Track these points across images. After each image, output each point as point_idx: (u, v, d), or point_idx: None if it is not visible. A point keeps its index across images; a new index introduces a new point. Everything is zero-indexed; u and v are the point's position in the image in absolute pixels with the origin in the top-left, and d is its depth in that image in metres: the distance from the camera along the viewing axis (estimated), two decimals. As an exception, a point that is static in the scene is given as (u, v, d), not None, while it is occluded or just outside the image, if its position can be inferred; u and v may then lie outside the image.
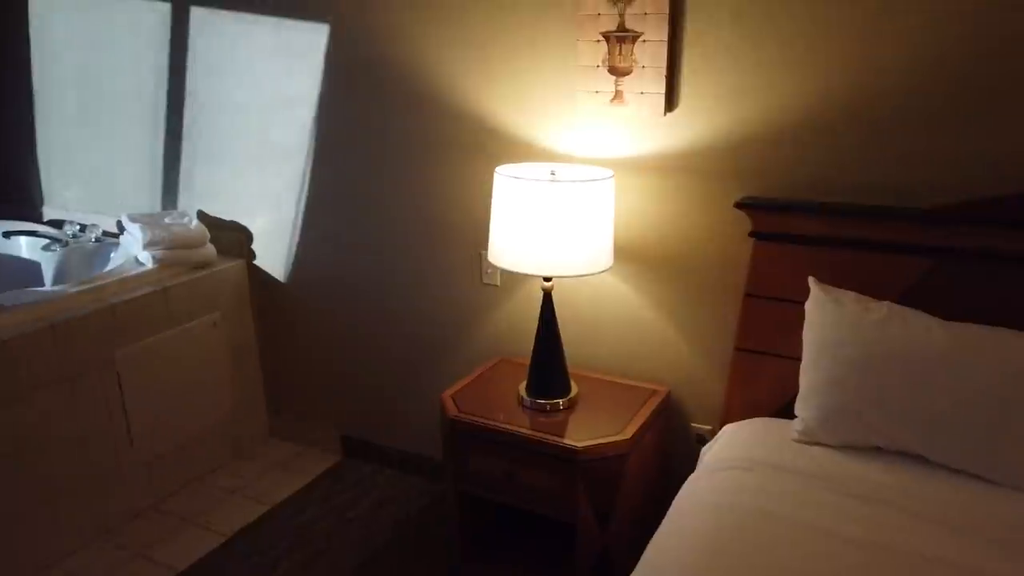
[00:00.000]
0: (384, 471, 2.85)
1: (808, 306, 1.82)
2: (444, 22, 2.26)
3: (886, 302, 1.74)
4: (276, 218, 2.80)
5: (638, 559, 1.48)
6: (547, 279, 2.06)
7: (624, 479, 1.96)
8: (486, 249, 2.31)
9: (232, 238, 2.88)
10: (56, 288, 2.50)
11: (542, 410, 2.10)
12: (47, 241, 3.02)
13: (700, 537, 1.48)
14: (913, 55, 1.74)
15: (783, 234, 1.92)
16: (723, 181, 2.01)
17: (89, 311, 2.37)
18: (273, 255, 2.86)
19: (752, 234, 1.96)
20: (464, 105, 2.31)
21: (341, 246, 2.70)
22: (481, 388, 2.25)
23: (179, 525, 2.56)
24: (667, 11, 1.94)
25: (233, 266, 2.85)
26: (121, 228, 2.86)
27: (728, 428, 1.94)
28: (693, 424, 2.24)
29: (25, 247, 3.18)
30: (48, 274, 3.02)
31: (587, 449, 1.91)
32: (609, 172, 1.99)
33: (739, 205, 1.94)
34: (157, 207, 3.05)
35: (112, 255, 2.89)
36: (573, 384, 2.17)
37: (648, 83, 2.01)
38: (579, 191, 1.90)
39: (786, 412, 1.91)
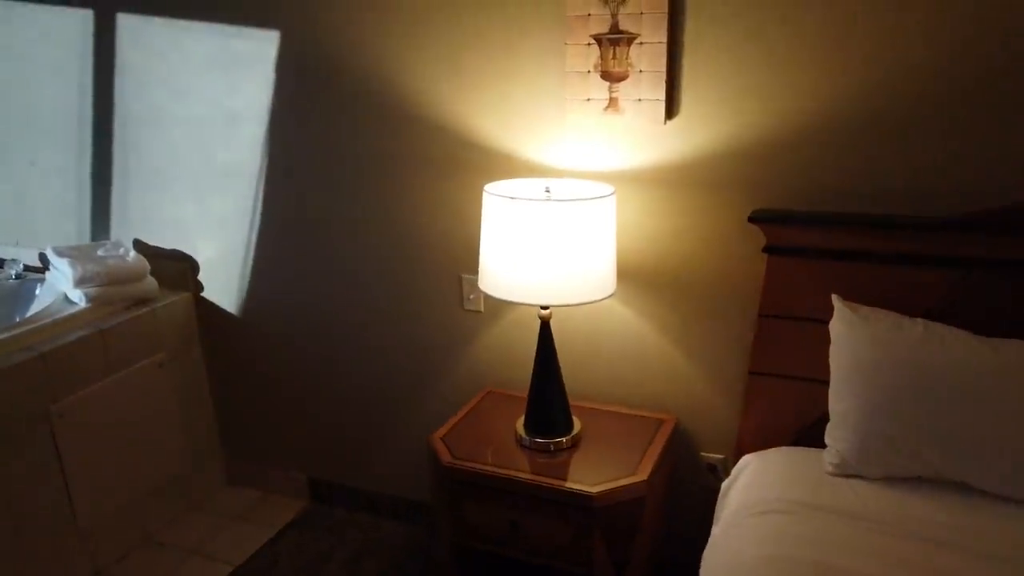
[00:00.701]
0: (357, 516, 2.61)
1: (834, 325, 1.69)
2: (411, 24, 2.05)
3: (920, 319, 1.63)
4: (225, 245, 2.52)
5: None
6: (544, 307, 1.87)
7: (643, 523, 1.80)
8: (468, 273, 2.12)
9: (175, 269, 2.59)
10: (-27, 337, 2.17)
11: (544, 450, 1.91)
12: (-43, 280, 2.68)
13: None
14: (938, 52, 1.62)
15: (801, 248, 1.78)
16: (730, 193, 1.86)
17: (15, 361, 2.07)
18: (223, 286, 2.58)
19: (766, 249, 1.81)
20: (438, 116, 2.10)
21: (301, 273, 2.45)
22: (472, 427, 2.05)
23: (131, 597, 2.27)
24: (666, 10, 1.77)
25: (177, 300, 2.56)
26: (45, 262, 2.55)
27: (749, 460, 1.79)
28: (703, 453, 2.08)
29: (-69, 288, 2.81)
30: (-39, 319, 2.67)
31: (603, 494, 1.73)
32: (610, 188, 1.81)
33: (753, 219, 1.79)
34: (86, 237, 2.73)
35: (37, 293, 2.58)
36: (575, 419, 1.99)
37: (646, 89, 1.84)
38: (578, 210, 1.72)
39: (807, 439, 1.79)
